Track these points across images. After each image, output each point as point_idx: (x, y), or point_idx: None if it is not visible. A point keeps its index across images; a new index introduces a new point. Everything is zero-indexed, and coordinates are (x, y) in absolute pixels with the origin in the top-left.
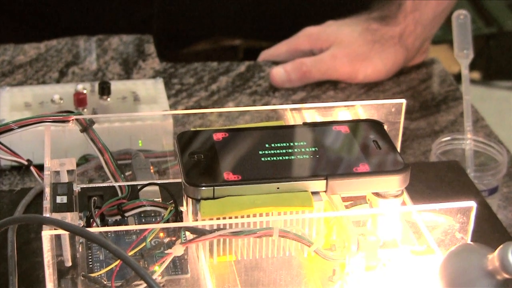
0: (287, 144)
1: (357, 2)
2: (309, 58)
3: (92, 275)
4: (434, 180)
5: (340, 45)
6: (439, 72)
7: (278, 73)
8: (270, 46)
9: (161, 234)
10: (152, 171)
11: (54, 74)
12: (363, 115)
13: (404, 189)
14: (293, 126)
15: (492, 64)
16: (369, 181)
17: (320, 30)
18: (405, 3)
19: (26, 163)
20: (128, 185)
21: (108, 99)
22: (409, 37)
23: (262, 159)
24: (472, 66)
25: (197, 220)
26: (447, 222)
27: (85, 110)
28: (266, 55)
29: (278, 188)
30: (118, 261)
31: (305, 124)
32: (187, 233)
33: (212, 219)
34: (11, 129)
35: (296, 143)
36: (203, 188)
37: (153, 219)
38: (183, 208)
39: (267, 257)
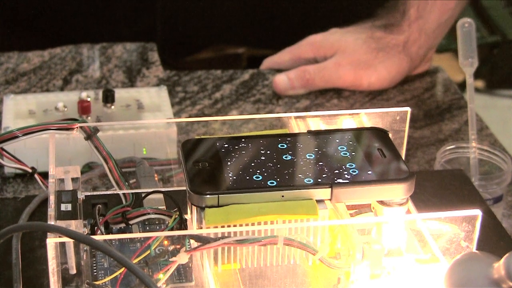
0: (292, 152)
1: (361, 10)
2: (313, 66)
3: (97, 283)
4: (438, 189)
5: (344, 53)
6: (443, 80)
7: (281, 81)
8: (273, 54)
9: (166, 242)
10: (156, 179)
11: (58, 82)
12: (367, 123)
13: (408, 197)
14: (297, 134)
15: (496, 72)
16: (374, 190)
17: (324, 38)
18: (409, 12)
19: (30, 170)
20: (132, 193)
21: (112, 107)
22: (413, 46)
23: (267, 167)
24: (476, 75)
25: (201, 228)
26: (452, 230)
27: (89, 118)
28: (269, 62)
29: (282, 196)
30: (123, 269)
31: (309, 132)
32: (192, 241)
33: (216, 227)
34: (16, 137)
35: (300, 151)
36: (208, 196)
37: (158, 227)
38: (187, 216)
39: (272, 265)
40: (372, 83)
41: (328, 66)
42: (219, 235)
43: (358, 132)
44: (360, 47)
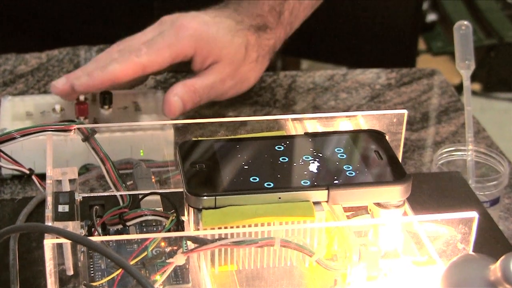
0: (289, 154)
1: None
2: (200, 83)
3: (94, 284)
4: (435, 191)
5: (226, 64)
6: (440, 83)
7: (176, 103)
8: None
9: (163, 244)
10: (153, 180)
11: None
12: (364, 126)
13: (405, 199)
14: (294, 136)
15: (493, 75)
16: (370, 192)
17: (206, 36)
18: (284, 14)
19: (27, 172)
20: (129, 195)
21: (110, 109)
22: (274, 50)
23: (264, 169)
24: (473, 78)
25: (198, 229)
26: (448, 232)
27: (86, 119)
28: (148, 61)
29: (279, 198)
30: (120, 270)
31: (306, 134)
32: (189, 242)
33: (213, 228)
34: (13, 138)
35: (297, 153)
36: (205, 197)
37: (155, 229)
38: (184, 218)
39: (269, 266)
40: (242, 91)
41: (215, 85)
42: (216, 237)
43: (355, 134)
44: (242, 59)
